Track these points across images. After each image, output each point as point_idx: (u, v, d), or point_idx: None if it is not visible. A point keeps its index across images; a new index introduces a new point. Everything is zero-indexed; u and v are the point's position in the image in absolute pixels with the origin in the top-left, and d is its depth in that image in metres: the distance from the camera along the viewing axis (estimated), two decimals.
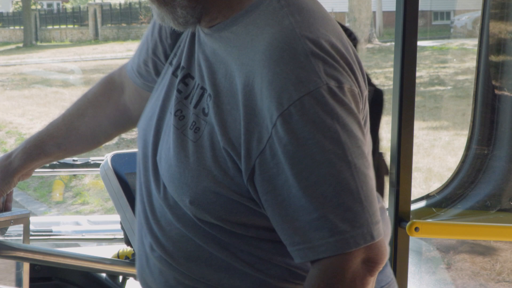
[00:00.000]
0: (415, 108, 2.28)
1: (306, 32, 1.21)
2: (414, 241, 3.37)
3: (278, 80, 1.17)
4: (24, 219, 3.94)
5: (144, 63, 1.55)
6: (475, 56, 3.54)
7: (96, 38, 28.90)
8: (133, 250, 2.06)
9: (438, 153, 9.03)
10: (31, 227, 4.08)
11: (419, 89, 11.18)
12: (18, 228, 3.99)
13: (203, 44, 1.30)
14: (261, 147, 1.18)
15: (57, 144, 1.69)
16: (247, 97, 1.20)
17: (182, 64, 1.34)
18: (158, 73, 1.52)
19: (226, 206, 1.24)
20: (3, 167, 1.73)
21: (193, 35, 1.35)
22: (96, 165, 3.26)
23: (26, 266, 3.30)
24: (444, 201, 3.56)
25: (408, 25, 2.24)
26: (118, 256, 2.25)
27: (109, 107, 1.67)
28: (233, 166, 1.22)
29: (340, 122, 1.17)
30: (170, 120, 1.31)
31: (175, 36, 1.43)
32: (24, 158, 1.70)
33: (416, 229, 2.20)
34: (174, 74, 1.36)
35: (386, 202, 1.77)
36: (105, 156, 1.87)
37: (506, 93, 3.83)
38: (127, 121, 1.69)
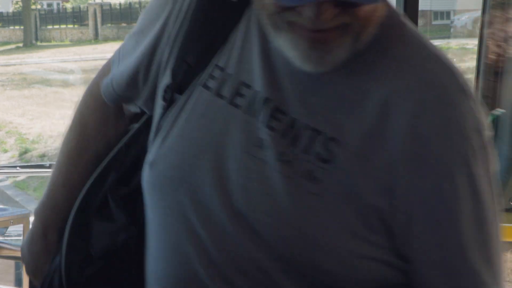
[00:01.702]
0: None
1: (457, 69, 1.10)
2: None
3: (457, 126, 1.04)
4: (24, 219, 3.95)
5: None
6: (475, 56, 3.54)
7: (96, 38, 28.88)
8: None
9: None
10: (31, 227, 4.10)
11: None
12: (18, 228, 3.99)
13: (307, 78, 1.09)
14: (420, 196, 1.04)
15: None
16: (404, 142, 1.04)
17: (266, 95, 1.10)
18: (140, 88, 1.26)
19: (370, 268, 1.07)
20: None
21: (268, 59, 1.12)
22: None
23: None
24: None
25: None
26: None
27: (119, 128, 1.37)
28: (379, 221, 1.06)
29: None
30: (253, 163, 1.08)
31: (197, 51, 1.18)
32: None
33: None
34: (232, 103, 1.12)
35: None
36: None
37: (506, 93, 3.83)
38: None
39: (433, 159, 1.04)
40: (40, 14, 31.95)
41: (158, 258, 1.17)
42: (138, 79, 1.25)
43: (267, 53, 1.11)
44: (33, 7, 31.91)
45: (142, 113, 1.31)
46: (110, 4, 29.79)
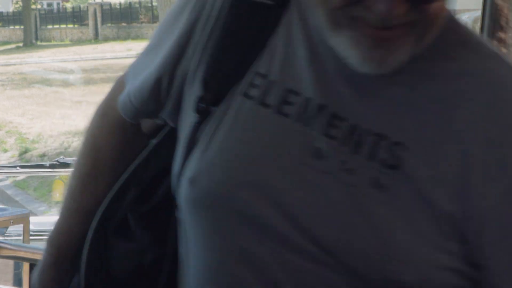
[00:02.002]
0: None
1: None
2: None
3: None
4: (23, 219, 3.95)
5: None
6: None
7: (96, 38, 28.90)
8: None
9: None
10: (31, 227, 4.09)
11: None
12: (18, 228, 4.00)
13: (365, 80, 1.04)
14: (493, 202, 1.01)
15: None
16: (475, 146, 1.01)
17: (319, 101, 1.04)
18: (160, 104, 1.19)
19: (443, 278, 1.03)
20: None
21: (318, 64, 1.07)
22: None
23: (26, 266, 3.30)
24: None
25: None
26: None
27: (137, 148, 1.31)
28: (452, 228, 1.01)
29: None
30: (311, 174, 1.03)
31: (232, 58, 1.13)
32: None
33: None
34: (280, 112, 1.06)
35: None
36: None
37: None
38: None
39: (506, 164, 1.01)
40: (40, 14, 31.98)
41: (202, 280, 1.10)
42: (161, 89, 1.18)
43: (316, 57, 1.05)
44: (33, 7, 31.94)
45: (161, 127, 1.26)
46: (110, 4, 29.80)
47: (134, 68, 1.25)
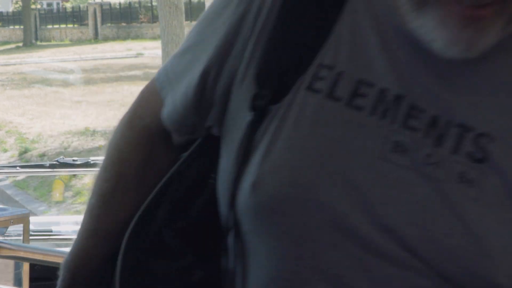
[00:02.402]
0: None
1: None
2: None
3: None
4: (23, 219, 3.95)
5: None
6: None
7: (96, 38, 28.91)
8: None
9: None
10: (31, 227, 4.09)
11: None
12: (18, 228, 4.00)
13: (445, 67, 0.98)
14: None
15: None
16: None
17: (396, 92, 0.98)
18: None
19: None
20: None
21: (391, 51, 1.00)
22: (96, 165, 3.25)
23: (26, 266, 3.30)
24: None
25: None
26: None
27: (165, 162, 1.21)
28: None
29: None
30: (393, 170, 0.97)
31: (291, 52, 1.06)
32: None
33: None
34: (351, 105, 0.99)
35: None
36: None
37: None
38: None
39: None
40: (40, 14, 31.99)
41: None
42: (206, 89, 1.10)
43: (388, 44, 0.98)
44: (33, 6, 31.93)
45: (191, 140, 1.17)
46: (110, 4, 29.81)
47: (167, 73, 1.16)
